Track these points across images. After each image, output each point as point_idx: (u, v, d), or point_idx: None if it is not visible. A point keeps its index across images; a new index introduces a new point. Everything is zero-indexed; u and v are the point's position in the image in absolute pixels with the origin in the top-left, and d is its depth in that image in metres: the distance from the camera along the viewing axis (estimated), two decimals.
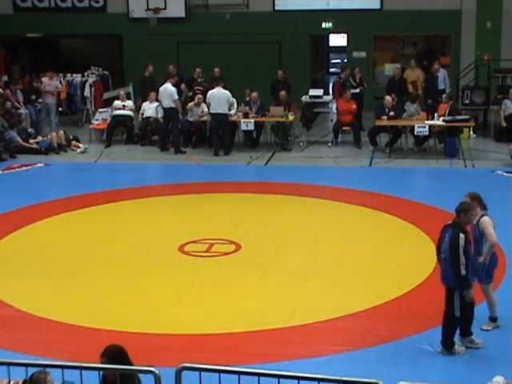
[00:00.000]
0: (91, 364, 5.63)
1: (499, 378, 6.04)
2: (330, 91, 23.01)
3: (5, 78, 24.13)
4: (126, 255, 12.50)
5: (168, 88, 20.14)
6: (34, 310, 10.33)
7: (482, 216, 9.45)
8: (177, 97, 20.21)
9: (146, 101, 21.47)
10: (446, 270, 8.97)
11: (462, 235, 8.73)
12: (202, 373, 5.55)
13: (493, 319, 9.74)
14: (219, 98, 19.71)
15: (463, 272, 8.72)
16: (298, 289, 11.06)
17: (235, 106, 20.72)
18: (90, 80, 23.52)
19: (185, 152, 20.14)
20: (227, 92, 19.87)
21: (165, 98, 20.13)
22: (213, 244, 12.86)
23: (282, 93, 20.98)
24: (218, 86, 19.97)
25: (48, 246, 13.06)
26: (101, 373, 5.96)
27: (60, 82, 23.37)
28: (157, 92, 20.67)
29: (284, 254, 12.42)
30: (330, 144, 20.78)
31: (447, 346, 8.99)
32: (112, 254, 12.56)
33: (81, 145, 20.70)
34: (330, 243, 13.05)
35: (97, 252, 12.71)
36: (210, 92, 19.99)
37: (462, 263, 8.71)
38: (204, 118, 20.70)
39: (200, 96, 20.85)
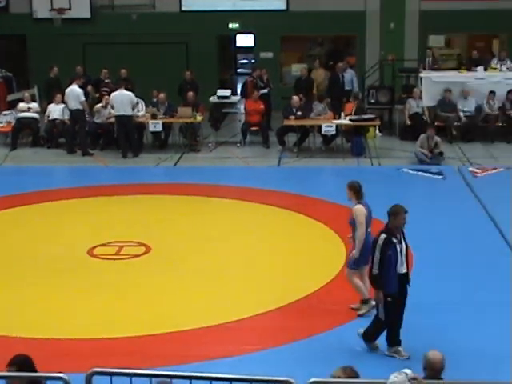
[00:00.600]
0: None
1: (407, 370, 6.16)
2: (239, 91, 23.02)
3: None
4: (34, 260, 12.29)
5: (74, 90, 19.88)
6: None
7: (356, 204, 10.00)
8: (83, 98, 19.97)
9: (51, 102, 21.15)
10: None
11: (382, 235, 8.76)
12: (114, 377, 5.50)
13: (364, 301, 10.08)
14: (122, 99, 19.54)
15: (375, 271, 8.75)
16: (209, 289, 11.06)
17: (144, 107, 20.58)
18: None
19: (92, 154, 19.91)
20: (130, 93, 19.72)
21: (71, 100, 19.87)
22: (122, 246, 12.75)
23: (190, 93, 20.94)
24: (120, 88, 19.82)
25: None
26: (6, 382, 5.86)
27: None
28: (63, 94, 20.37)
29: (195, 255, 12.40)
30: (238, 144, 20.84)
31: (367, 340, 9.12)
32: (20, 259, 12.33)
33: None
34: (241, 243, 13.07)
35: (4, 258, 12.45)
36: (113, 94, 19.83)
37: (375, 262, 8.73)
38: (111, 120, 20.51)
39: (107, 97, 20.66)
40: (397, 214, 8.98)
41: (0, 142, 21.46)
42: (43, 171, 18.36)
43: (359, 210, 9.91)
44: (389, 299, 8.78)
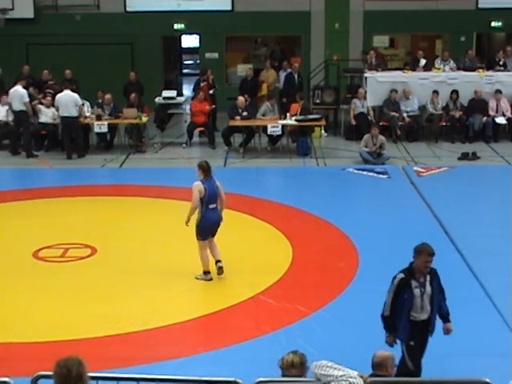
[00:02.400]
0: None
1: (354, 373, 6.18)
2: (192, 92, 22.96)
3: None
4: None
5: (18, 90, 19.66)
6: None
7: (196, 181, 11.03)
8: (27, 99, 19.74)
9: None
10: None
11: (400, 275, 7.85)
12: None
13: (205, 273, 11.25)
14: (67, 101, 19.38)
15: (385, 313, 7.91)
16: (155, 291, 11.02)
17: (89, 108, 20.44)
18: None
19: (37, 156, 19.71)
20: (75, 95, 19.56)
21: (15, 101, 19.64)
22: (68, 249, 12.65)
23: (132, 95, 20.84)
24: (66, 89, 19.65)
25: None
26: None
27: None
28: (6, 94, 20.12)
29: (140, 257, 12.35)
30: (184, 145, 20.79)
31: None
32: None
33: None
34: (186, 244, 13.03)
35: None
36: (58, 96, 19.64)
37: (386, 303, 7.91)
38: (56, 121, 20.32)
39: (48, 98, 20.49)
40: (419, 253, 7.81)
41: None
42: None
43: (194, 185, 11.06)
44: (411, 343, 7.86)
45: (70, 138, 19.70)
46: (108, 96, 20.53)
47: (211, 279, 11.26)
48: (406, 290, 7.76)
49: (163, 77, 26.24)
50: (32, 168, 18.72)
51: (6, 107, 20.44)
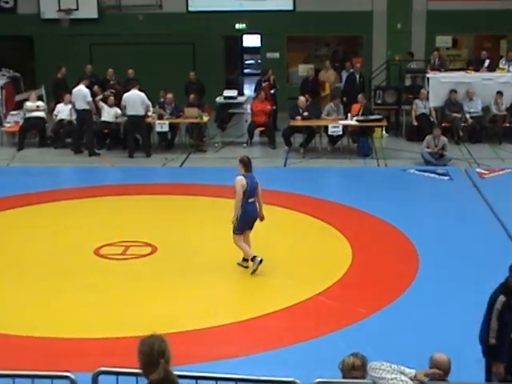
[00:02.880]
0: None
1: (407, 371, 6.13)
2: (252, 92, 22.98)
3: None
4: (40, 259, 12.32)
5: (81, 90, 19.92)
6: None
7: (238, 175, 11.39)
8: (90, 99, 19.99)
9: (59, 102, 21.18)
10: (481, 330, 7.55)
11: (501, 298, 7.25)
12: (120, 376, 5.51)
13: (251, 259, 11.48)
14: (134, 100, 19.58)
15: (492, 341, 7.29)
16: (215, 289, 11.07)
17: (151, 108, 20.63)
18: (1, 82, 23.06)
19: (99, 154, 19.94)
20: (142, 94, 19.75)
21: (78, 100, 19.91)
22: (129, 246, 12.77)
23: (191, 96, 20.96)
24: (133, 88, 19.85)
25: None
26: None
27: None
28: (70, 94, 20.39)
29: (200, 255, 12.40)
30: (244, 145, 20.84)
31: None
32: (26, 259, 12.36)
33: None
34: None
35: (10, 257, 12.49)
36: (126, 94, 19.82)
37: (492, 329, 7.27)
38: (118, 120, 20.55)
39: (111, 98, 20.72)
40: None
41: (7, 141, 21.50)
42: (50, 171, 18.39)
43: (237, 180, 11.39)
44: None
45: (134, 137, 19.92)
46: (170, 95, 20.68)
47: (262, 260, 11.46)
48: (509, 313, 7.19)
49: (224, 76, 26.34)
50: (94, 166, 18.95)
51: (69, 106, 20.74)
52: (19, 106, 22.40)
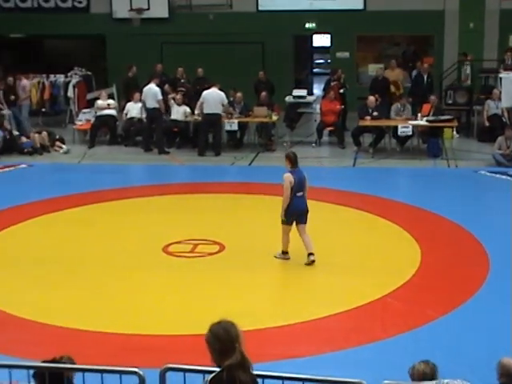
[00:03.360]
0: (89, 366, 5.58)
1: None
2: (321, 91, 22.93)
3: None
4: (109, 256, 12.47)
5: (152, 88, 20.12)
6: (17, 311, 10.29)
7: (286, 172, 11.86)
8: (161, 97, 20.18)
9: (130, 101, 21.43)
10: None
11: None
12: (187, 373, 5.54)
13: (284, 252, 12.06)
14: (214, 98, 19.67)
15: None
16: (282, 289, 11.08)
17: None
18: (74, 80, 23.46)
19: (168, 152, 20.11)
20: (222, 93, 19.84)
21: (148, 99, 20.11)
22: (197, 244, 12.84)
23: (263, 94, 21.00)
24: (214, 87, 19.93)
25: (31, 247, 13.01)
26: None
27: (43, 82, 23.37)
28: (140, 92, 20.62)
29: (268, 254, 12.40)
30: (313, 144, 20.80)
31: None
32: (95, 256, 12.52)
33: (64, 146, 20.66)
34: (314, 243, 13.03)
35: (80, 253, 12.66)
36: (206, 92, 19.89)
37: None
38: (188, 119, 20.70)
39: (179, 97, 20.88)
40: None
41: (79, 139, 21.82)
42: (120, 169, 18.63)
43: (285, 177, 11.85)
44: None
45: (206, 136, 20.04)
46: (239, 94, 20.76)
47: (289, 258, 12.01)
48: None
49: (294, 76, 26.33)
50: (163, 164, 19.11)
51: (139, 104, 20.97)
52: (91, 104, 22.74)
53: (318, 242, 12.99)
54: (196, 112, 20.31)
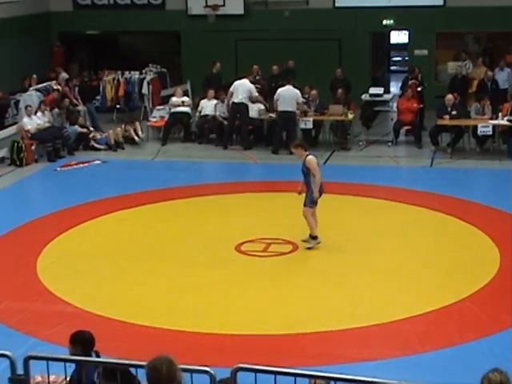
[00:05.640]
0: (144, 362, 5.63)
1: None
2: (398, 90, 22.77)
3: (64, 76, 24.43)
4: (181, 254, 12.60)
5: (246, 83, 20.29)
6: (89, 307, 10.48)
7: (307, 156, 12.45)
8: (257, 93, 20.36)
9: (204, 98, 21.58)
10: None
11: None
12: (258, 374, 5.56)
13: (313, 237, 12.65)
14: (289, 95, 19.69)
15: None
16: (356, 290, 11.02)
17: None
18: (148, 77, 23.71)
19: (249, 148, 20.23)
20: (297, 91, 19.85)
21: (240, 92, 20.14)
22: (270, 244, 12.88)
23: (339, 91, 20.92)
24: (288, 84, 19.95)
25: (104, 243, 13.23)
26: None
27: (118, 79, 23.70)
28: (220, 89, 20.70)
29: (341, 255, 12.39)
30: (390, 143, 20.65)
31: None
32: (168, 253, 12.67)
33: (140, 132, 21.07)
34: (389, 245, 12.96)
35: (152, 250, 12.82)
36: (281, 89, 19.90)
37: None
38: (262, 117, 20.75)
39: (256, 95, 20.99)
40: None
41: (153, 136, 22.06)
42: (193, 167, 18.75)
43: (310, 159, 12.49)
44: None
45: (281, 134, 20.09)
46: (314, 92, 20.71)
47: (320, 242, 12.68)
48: None
49: (370, 73, 26.15)
50: (237, 162, 19.18)
51: (214, 102, 21.11)
52: (165, 101, 22.95)
53: (393, 243, 12.92)
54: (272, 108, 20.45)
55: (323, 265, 11.99)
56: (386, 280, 11.41)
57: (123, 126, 21.14)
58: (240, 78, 20.57)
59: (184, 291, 11.09)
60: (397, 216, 14.56)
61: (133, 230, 13.94)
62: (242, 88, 20.22)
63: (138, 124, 21.36)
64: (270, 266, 12.01)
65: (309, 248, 12.66)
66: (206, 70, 22.82)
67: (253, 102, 20.52)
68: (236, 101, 20.21)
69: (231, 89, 20.39)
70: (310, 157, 12.58)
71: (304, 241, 12.84)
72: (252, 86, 20.35)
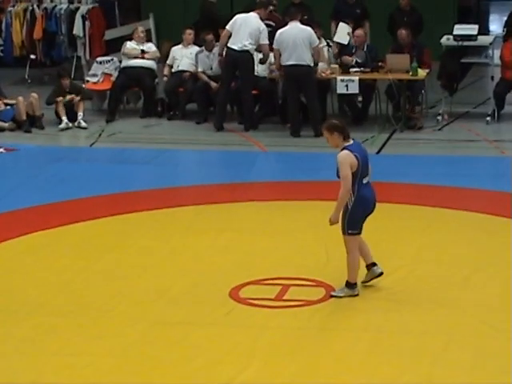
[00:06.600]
0: None
1: None
2: (504, 27, 22.78)
3: None
4: (146, 302, 12.50)
5: (254, 21, 20.40)
6: None
7: (343, 149, 12.00)
8: (267, 41, 20.31)
9: (178, 44, 21.62)
10: None
11: None
12: None
13: (350, 284, 12.42)
14: (295, 39, 19.77)
15: None
16: (426, 364, 11.03)
17: (325, 53, 20.75)
18: (83, 8, 23.77)
19: (254, 128, 20.45)
20: (308, 29, 19.90)
21: (243, 36, 20.30)
22: (288, 286, 12.85)
23: (403, 32, 20.89)
24: (293, 21, 20.00)
25: (10, 290, 13.20)
26: None
27: (33, 10, 23.74)
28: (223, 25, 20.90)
29: (408, 304, 12.38)
30: (488, 118, 20.67)
31: None
32: (124, 299, 12.58)
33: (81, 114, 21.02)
34: (492, 278, 13.04)
35: (96, 295, 12.78)
36: (280, 32, 19.99)
37: None
38: (274, 75, 20.84)
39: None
40: None
41: (92, 107, 22.05)
42: (160, 158, 18.81)
43: (342, 156, 11.98)
44: None
45: (298, 103, 20.21)
46: (360, 31, 20.81)
47: (357, 295, 12.45)
48: None
49: (457, 1, 26.20)
50: (234, 150, 19.35)
51: (195, 50, 21.25)
52: (112, 48, 23.00)
53: (497, 276, 13.00)
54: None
55: (377, 322, 11.96)
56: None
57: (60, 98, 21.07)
58: (244, 12, 20.59)
59: (151, 364, 11.08)
60: (499, 236, 14.57)
61: (62, 263, 13.89)
62: (247, 27, 20.26)
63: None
64: (288, 325, 11.98)
65: (334, 296, 12.47)
66: None
67: (262, 62, 20.59)
68: (236, 47, 20.23)
69: (228, 27, 20.42)
70: (344, 153, 12.07)
71: (335, 295, 12.63)
72: (264, 27, 20.43)
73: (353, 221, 12.18)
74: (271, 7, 22.42)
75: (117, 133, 20.50)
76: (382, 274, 12.59)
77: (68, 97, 20.98)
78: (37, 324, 11.88)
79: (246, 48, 20.27)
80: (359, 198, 12.07)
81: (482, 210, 15.61)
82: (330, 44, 21.16)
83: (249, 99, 20.62)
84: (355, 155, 11.96)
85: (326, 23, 21.88)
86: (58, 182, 17.32)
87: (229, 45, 20.42)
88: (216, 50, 20.98)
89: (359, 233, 12.29)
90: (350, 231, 12.21)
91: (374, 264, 12.58)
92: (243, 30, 20.30)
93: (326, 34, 21.29)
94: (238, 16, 20.50)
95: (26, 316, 12.16)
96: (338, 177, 12.11)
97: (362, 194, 12.08)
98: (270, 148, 19.40)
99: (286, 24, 20.32)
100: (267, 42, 20.52)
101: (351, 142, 12.15)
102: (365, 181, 12.14)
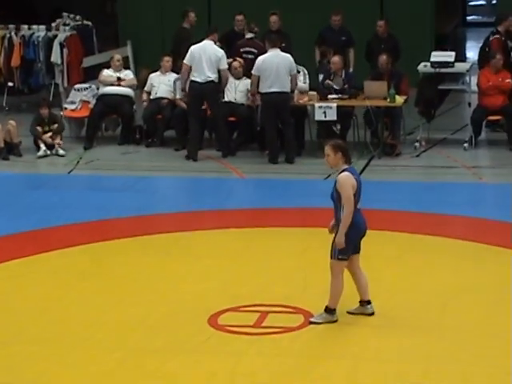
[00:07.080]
0: None
1: None
2: (478, 56, 22.87)
3: None
4: (123, 330, 12.48)
5: (211, 48, 20.38)
6: None
7: (343, 171, 11.97)
8: (226, 65, 20.29)
9: (156, 71, 21.61)
10: None
11: None
12: None
13: (329, 310, 12.36)
14: (278, 67, 19.79)
15: None
16: None
17: (303, 79, 20.77)
18: (61, 35, 23.74)
19: (232, 154, 20.38)
20: (289, 57, 19.91)
21: (202, 65, 20.24)
22: (267, 313, 12.83)
23: (383, 58, 20.94)
24: (273, 48, 20.01)
25: None
26: None
27: (10, 37, 23.68)
28: (182, 55, 20.78)
29: (386, 330, 12.36)
30: (465, 145, 20.71)
31: None
32: (102, 327, 12.56)
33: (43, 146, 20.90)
34: (471, 304, 13.02)
35: (73, 324, 12.74)
36: (262, 59, 20.00)
37: None
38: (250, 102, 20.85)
39: (238, 65, 20.98)
40: None
41: (70, 134, 22.03)
42: (138, 185, 18.80)
43: (343, 178, 11.93)
44: None
45: (276, 130, 20.19)
46: (337, 59, 20.81)
47: (336, 321, 12.37)
48: None
49: (433, 29, 26.27)
50: (212, 177, 19.30)
51: (173, 76, 21.30)
52: (90, 75, 22.97)
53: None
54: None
55: (358, 348, 11.94)
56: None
57: (41, 129, 21.01)
58: (198, 41, 20.60)
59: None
60: (483, 264, 14.58)
61: (36, 294, 13.87)
62: (206, 57, 20.23)
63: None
64: (268, 353, 11.95)
65: (313, 322, 12.42)
66: (158, 24, 22.85)
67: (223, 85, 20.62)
68: (200, 80, 20.22)
69: (186, 61, 20.43)
70: (345, 174, 12.05)
71: (313, 321, 12.57)
72: (222, 53, 20.48)
73: (347, 244, 12.08)
74: (251, 34, 22.46)
75: (95, 160, 20.49)
76: (372, 314, 12.53)
77: (48, 135, 20.97)
78: (13, 352, 11.86)
79: (210, 79, 20.32)
80: (353, 223, 12.04)
81: (460, 236, 15.70)
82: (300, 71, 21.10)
83: (222, 127, 20.62)
84: (355, 178, 12.05)
85: (307, 49, 21.82)
86: (36, 209, 17.28)
87: (192, 78, 20.44)
88: (181, 82, 20.95)
89: (347, 259, 12.19)
90: (340, 256, 12.13)
91: (369, 302, 12.52)
92: (203, 61, 20.31)
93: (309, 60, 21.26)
94: (193, 48, 20.48)
95: (2, 345, 12.14)
96: (332, 199, 12.17)
97: (355, 220, 12.07)
98: (248, 175, 19.40)
99: (265, 51, 20.30)
100: (227, 66, 20.59)
101: (351, 166, 12.23)
102: (358, 206, 12.13)
